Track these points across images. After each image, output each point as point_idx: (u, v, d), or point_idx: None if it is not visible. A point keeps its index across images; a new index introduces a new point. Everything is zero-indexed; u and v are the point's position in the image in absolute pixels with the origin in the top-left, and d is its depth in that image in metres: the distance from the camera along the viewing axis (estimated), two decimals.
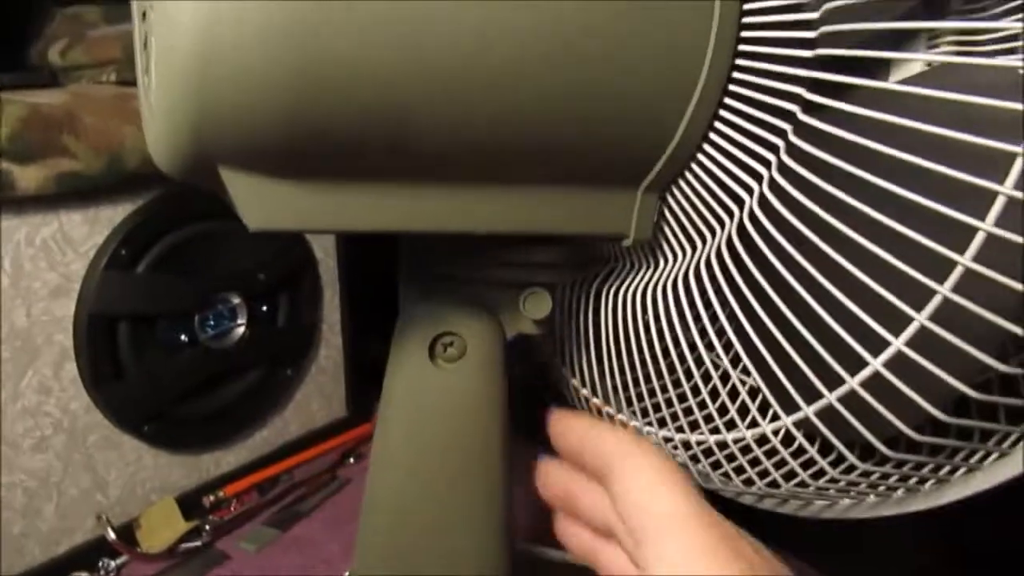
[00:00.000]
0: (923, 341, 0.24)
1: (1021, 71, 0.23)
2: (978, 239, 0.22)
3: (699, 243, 0.31)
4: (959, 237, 0.22)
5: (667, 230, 0.31)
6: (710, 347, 0.31)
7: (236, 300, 0.61)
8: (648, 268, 0.33)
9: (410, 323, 0.33)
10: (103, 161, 0.49)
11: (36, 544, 0.52)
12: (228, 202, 0.25)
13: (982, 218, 0.22)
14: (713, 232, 0.30)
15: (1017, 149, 0.20)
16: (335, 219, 0.25)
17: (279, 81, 0.21)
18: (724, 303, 0.30)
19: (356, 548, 0.37)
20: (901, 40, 0.28)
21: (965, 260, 0.22)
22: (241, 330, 0.62)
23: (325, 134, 0.23)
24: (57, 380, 0.52)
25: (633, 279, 0.33)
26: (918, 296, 0.23)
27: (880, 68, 0.27)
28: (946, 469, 0.27)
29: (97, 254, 0.53)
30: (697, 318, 0.31)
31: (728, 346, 0.31)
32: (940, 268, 0.23)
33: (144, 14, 0.26)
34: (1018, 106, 0.20)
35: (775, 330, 0.27)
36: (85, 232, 0.52)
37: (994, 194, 0.21)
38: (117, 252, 0.53)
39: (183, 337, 0.58)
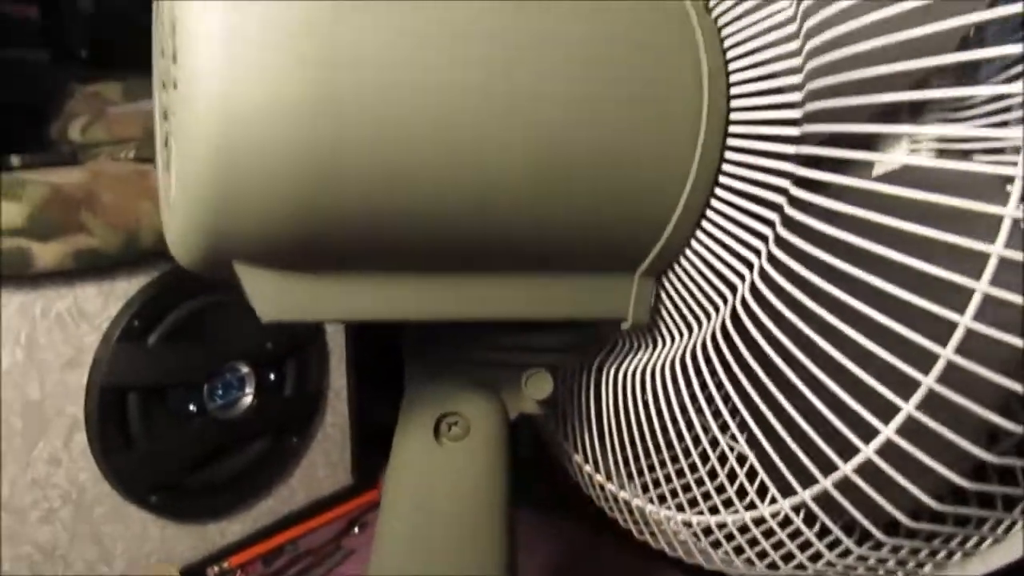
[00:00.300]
0: (914, 430, 0.24)
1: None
2: (959, 332, 0.23)
3: (695, 326, 0.31)
4: (942, 329, 0.23)
5: (664, 313, 0.32)
6: (707, 428, 0.32)
7: (245, 369, 0.62)
8: (647, 349, 0.34)
9: (415, 402, 0.34)
10: (120, 238, 0.51)
11: None
12: (241, 292, 0.26)
13: (962, 310, 0.23)
14: (709, 316, 0.31)
15: (991, 248, 0.22)
16: (345, 310, 0.26)
17: (297, 186, 0.22)
18: (720, 385, 0.31)
19: None
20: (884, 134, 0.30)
21: (947, 352, 0.23)
22: (249, 399, 0.62)
23: (338, 233, 0.24)
24: (67, 451, 0.53)
25: (633, 359, 0.34)
26: (906, 386, 0.24)
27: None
28: (942, 554, 0.28)
29: (110, 326, 0.54)
30: (695, 398, 0.32)
31: (726, 427, 0.32)
32: (927, 359, 0.24)
33: (165, 114, 0.28)
34: (988, 207, 0.22)
35: (770, 415, 0.28)
36: (99, 305, 0.53)
37: (972, 288, 0.22)
38: (130, 324, 0.54)
39: (192, 407, 0.59)
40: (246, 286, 0.25)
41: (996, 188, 0.24)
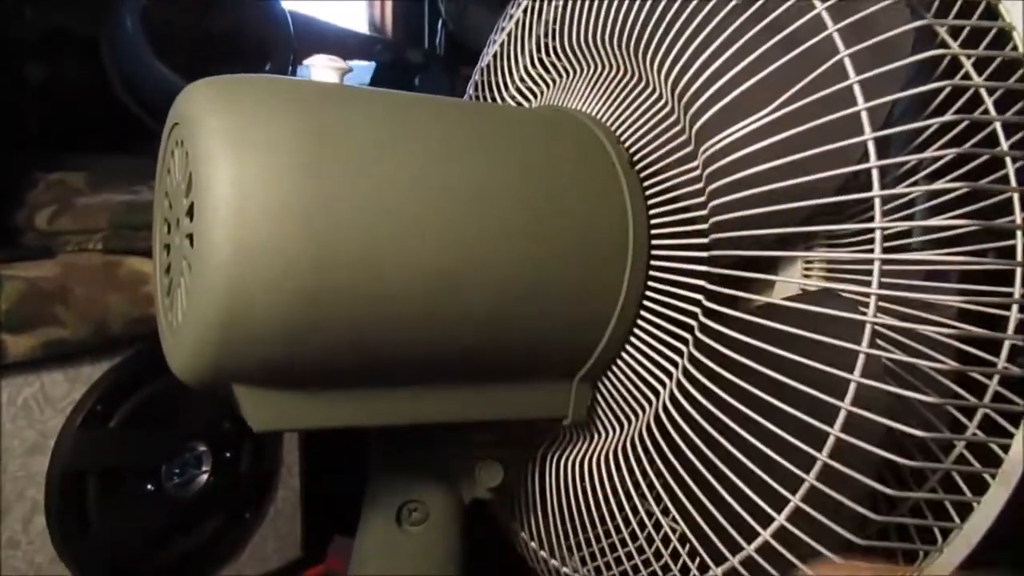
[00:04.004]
0: (815, 496, 0.29)
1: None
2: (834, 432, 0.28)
3: (626, 422, 0.37)
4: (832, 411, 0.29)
5: (600, 411, 0.37)
6: (638, 509, 0.36)
7: (202, 448, 0.64)
8: (586, 440, 0.39)
9: (379, 491, 0.38)
10: (90, 328, 0.53)
11: None
12: (234, 405, 0.30)
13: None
14: (639, 412, 0.36)
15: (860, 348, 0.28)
16: (326, 419, 0.30)
17: (292, 324, 0.27)
18: (656, 469, 0.35)
19: None
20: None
21: (835, 431, 0.28)
22: (206, 477, 0.64)
23: (325, 355, 0.29)
24: (25, 534, 0.54)
25: (574, 449, 0.39)
26: (805, 460, 0.29)
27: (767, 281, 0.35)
28: None
29: (74, 411, 0.56)
30: (629, 483, 0.37)
31: (659, 505, 0.36)
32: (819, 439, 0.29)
33: (167, 247, 0.32)
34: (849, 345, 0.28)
35: (699, 491, 0.33)
36: (65, 390, 0.55)
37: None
38: (93, 408, 0.56)
39: (149, 486, 0.61)
40: (242, 403, 0.29)
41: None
